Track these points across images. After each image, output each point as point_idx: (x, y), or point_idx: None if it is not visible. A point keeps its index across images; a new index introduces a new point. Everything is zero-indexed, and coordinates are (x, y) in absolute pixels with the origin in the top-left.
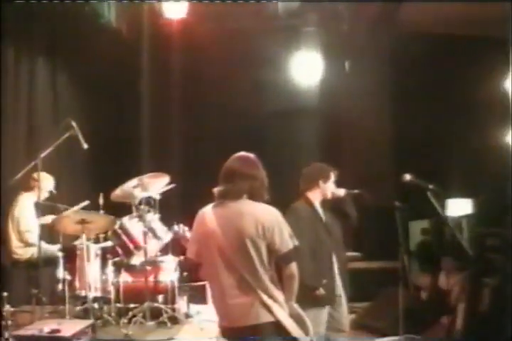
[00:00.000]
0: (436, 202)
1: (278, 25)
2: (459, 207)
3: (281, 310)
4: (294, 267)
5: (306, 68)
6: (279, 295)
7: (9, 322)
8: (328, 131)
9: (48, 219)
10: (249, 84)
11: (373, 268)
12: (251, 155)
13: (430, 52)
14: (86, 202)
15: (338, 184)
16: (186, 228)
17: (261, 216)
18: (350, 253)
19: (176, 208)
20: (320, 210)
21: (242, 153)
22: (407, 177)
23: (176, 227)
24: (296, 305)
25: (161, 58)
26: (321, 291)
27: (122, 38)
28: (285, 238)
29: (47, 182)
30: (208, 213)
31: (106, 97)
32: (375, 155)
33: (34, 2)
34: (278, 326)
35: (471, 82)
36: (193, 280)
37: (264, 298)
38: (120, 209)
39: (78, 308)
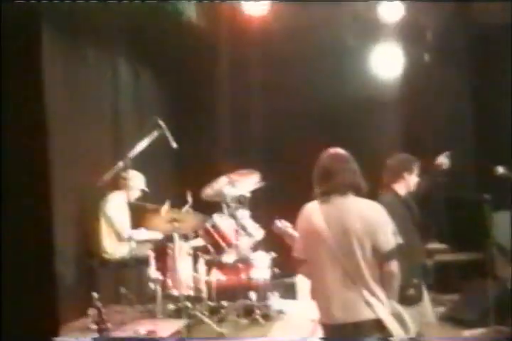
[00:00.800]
0: None
1: (356, 16)
2: None
3: (382, 308)
4: (395, 265)
5: (386, 60)
6: (380, 293)
7: (109, 325)
8: (409, 123)
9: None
10: (329, 77)
11: (460, 260)
12: (342, 150)
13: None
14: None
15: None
16: (289, 224)
17: (366, 213)
18: (436, 245)
19: (266, 205)
20: (410, 203)
21: (335, 149)
22: (500, 170)
23: (278, 223)
24: (397, 304)
25: (241, 54)
26: (411, 291)
27: (203, 34)
28: (389, 235)
29: (137, 181)
30: (313, 209)
31: (189, 95)
32: (456, 145)
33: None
34: (379, 324)
35: None
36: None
37: (367, 295)
38: (208, 206)
39: (170, 307)
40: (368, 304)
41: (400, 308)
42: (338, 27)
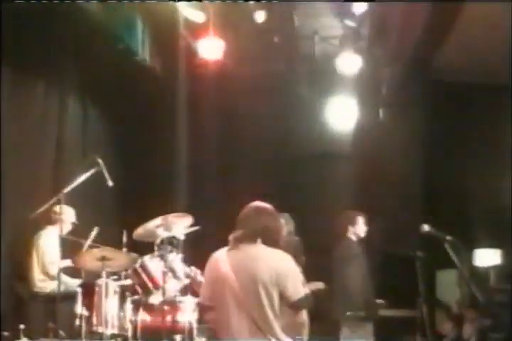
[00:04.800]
0: (453, 253)
1: (314, 68)
2: (487, 258)
3: None
4: (304, 314)
5: (340, 113)
6: None
7: None
8: (357, 177)
9: (68, 262)
10: (283, 128)
11: (395, 316)
12: (266, 204)
13: (464, 101)
14: (96, 230)
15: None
16: (198, 271)
17: (275, 262)
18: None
19: (201, 249)
20: None
21: (257, 202)
22: (426, 227)
23: (188, 270)
24: None
25: (194, 97)
26: None
27: (156, 75)
28: (297, 285)
29: (68, 215)
30: (221, 257)
31: (137, 134)
32: (403, 203)
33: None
34: None
35: (503, 132)
36: None
37: None
38: (144, 247)
39: None
40: None
41: None
42: (294, 77)
